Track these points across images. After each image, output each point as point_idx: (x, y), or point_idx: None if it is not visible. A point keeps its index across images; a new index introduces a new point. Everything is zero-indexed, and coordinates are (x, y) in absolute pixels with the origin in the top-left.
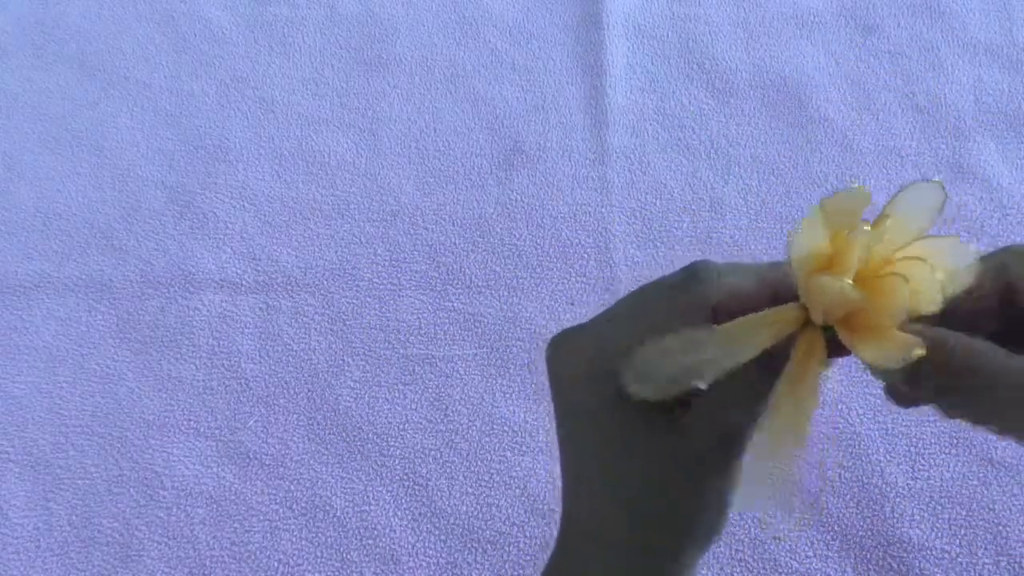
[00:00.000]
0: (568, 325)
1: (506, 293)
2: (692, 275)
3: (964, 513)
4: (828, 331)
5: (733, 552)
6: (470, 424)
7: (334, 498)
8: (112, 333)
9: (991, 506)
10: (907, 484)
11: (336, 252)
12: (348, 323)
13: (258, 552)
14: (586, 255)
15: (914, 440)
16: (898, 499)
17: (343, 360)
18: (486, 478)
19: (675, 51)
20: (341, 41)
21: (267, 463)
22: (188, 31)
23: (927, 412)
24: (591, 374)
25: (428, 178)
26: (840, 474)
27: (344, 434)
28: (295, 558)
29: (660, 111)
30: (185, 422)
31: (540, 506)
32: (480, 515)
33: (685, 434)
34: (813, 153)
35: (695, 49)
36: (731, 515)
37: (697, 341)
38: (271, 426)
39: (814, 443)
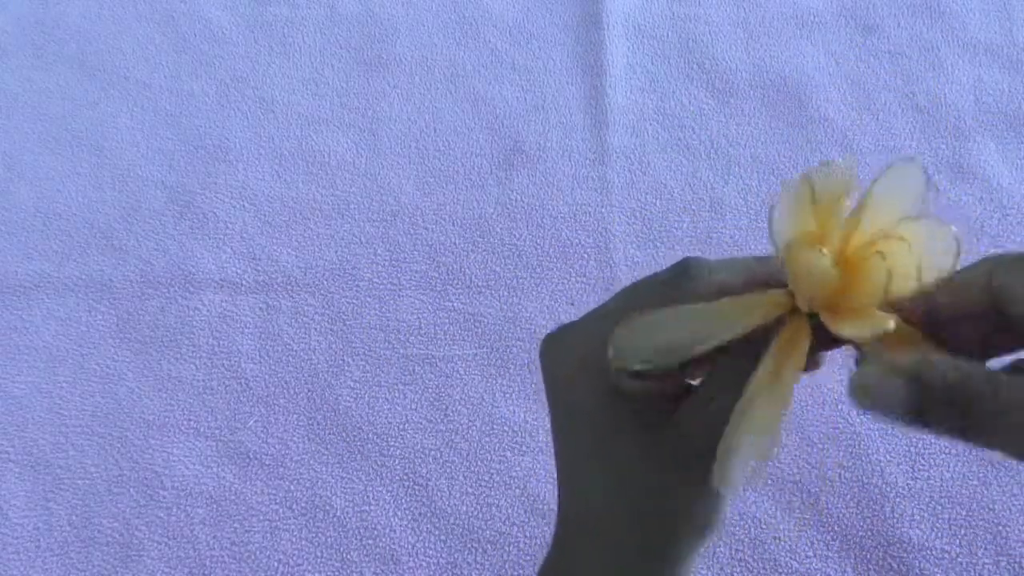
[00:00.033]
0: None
1: (506, 293)
2: (683, 272)
3: (964, 513)
4: (814, 319)
5: (733, 552)
6: (470, 424)
7: (334, 498)
8: (112, 333)
9: (991, 506)
10: (907, 484)
11: (336, 252)
12: (348, 323)
13: (258, 552)
14: (586, 255)
15: (914, 440)
16: (898, 499)
17: (343, 360)
18: (486, 478)
19: (675, 51)
20: (341, 41)
21: (267, 463)
22: (188, 31)
23: None
24: (584, 371)
25: (428, 178)
26: (840, 474)
27: (344, 434)
28: (295, 558)
29: (660, 111)
30: (185, 422)
31: (540, 506)
32: (480, 515)
33: (678, 430)
34: (813, 153)
35: (695, 49)
36: (730, 514)
37: (683, 316)
38: (271, 426)
39: (814, 443)
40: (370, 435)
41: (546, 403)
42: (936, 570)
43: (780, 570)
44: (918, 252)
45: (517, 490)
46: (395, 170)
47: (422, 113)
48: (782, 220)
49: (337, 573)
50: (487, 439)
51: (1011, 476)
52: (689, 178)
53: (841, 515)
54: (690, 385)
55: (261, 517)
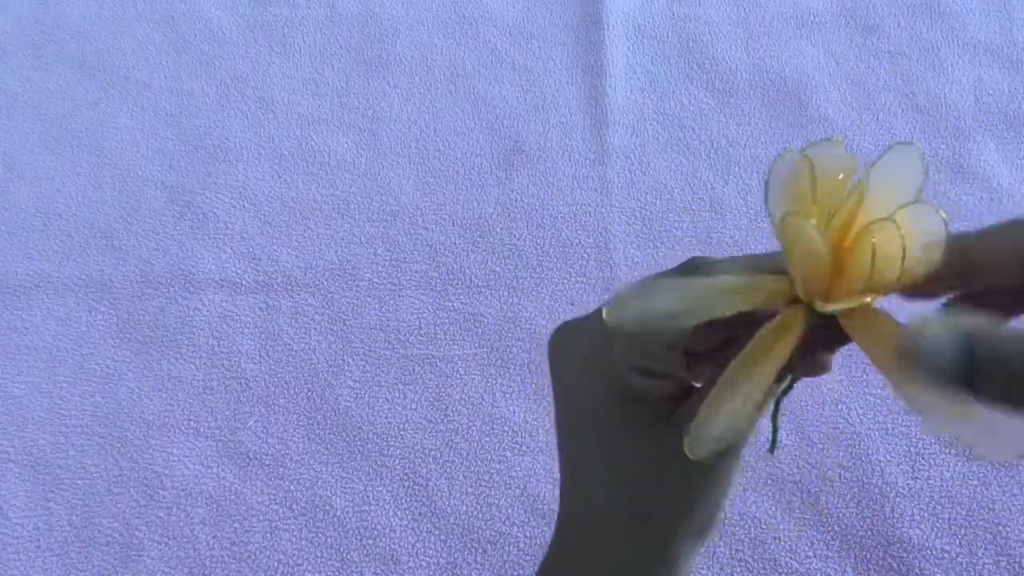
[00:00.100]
0: None
1: (506, 293)
2: (693, 270)
3: (964, 513)
4: (814, 318)
5: (733, 552)
6: (470, 424)
7: (334, 498)
8: (112, 333)
9: (991, 506)
10: (907, 484)
11: (336, 252)
12: (348, 323)
13: (258, 552)
14: (586, 255)
15: (914, 440)
16: (898, 499)
17: (343, 360)
18: (486, 478)
19: (675, 51)
20: (341, 41)
21: (267, 463)
22: (188, 31)
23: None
24: (590, 369)
25: (428, 178)
26: (840, 474)
27: (344, 434)
28: (295, 558)
29: (660, 111)
30: (185, 422)
31: (540, 506)
32: (480, 515)
33: (680, 429)
34: None
35: (695, 49)
36: (729, 513)
37: (684, 287)
38: (271, 426)
39: (814, 443)
40: (370, 435)
41: (551, 401)
42: (936, 570)
43: (780, 570)
44: (907, 236)
45: (517, 490)
46: (395, 170)
47: (422, 113)
48: (779, 193)
49: (337, 573)
50: (487, 439)
51: (1011, 476)
52: (689, 178)
53: (841, 515)
54: (691, 386)
55: (261, 517)
